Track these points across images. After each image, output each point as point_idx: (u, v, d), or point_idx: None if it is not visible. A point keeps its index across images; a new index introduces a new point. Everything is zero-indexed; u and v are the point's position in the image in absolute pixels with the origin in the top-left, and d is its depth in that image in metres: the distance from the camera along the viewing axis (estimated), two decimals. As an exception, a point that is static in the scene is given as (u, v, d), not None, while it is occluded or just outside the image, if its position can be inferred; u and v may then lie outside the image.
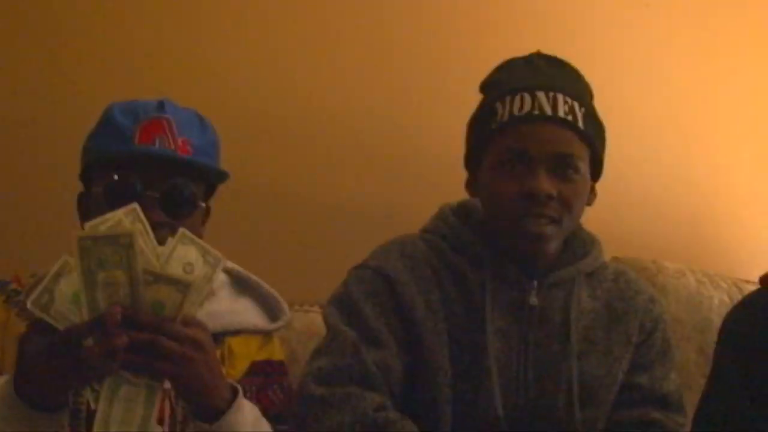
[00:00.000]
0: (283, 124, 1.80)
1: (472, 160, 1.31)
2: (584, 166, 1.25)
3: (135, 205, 0.97)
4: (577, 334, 1.27)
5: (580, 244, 1.33)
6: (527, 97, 1.24)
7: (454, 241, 1.30)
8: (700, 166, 2.07)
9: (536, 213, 1.21)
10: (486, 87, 1.31)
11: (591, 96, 1.29)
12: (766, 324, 1.23)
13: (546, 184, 1.20)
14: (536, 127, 1.23)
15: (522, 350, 1.25)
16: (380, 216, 1.70)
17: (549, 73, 1.28)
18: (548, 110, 1.23)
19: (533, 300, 1.27)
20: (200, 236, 1.12)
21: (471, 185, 1.31)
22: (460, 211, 1.34)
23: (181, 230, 0.99)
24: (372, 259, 1.29)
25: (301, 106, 1.82)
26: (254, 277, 1.36)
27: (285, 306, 1.35)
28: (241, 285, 1.34)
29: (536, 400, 1.24)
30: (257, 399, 1.21)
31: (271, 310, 1.34)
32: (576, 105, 1.24)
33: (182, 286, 0.96)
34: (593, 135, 1.26)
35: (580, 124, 1.24)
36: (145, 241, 0.95)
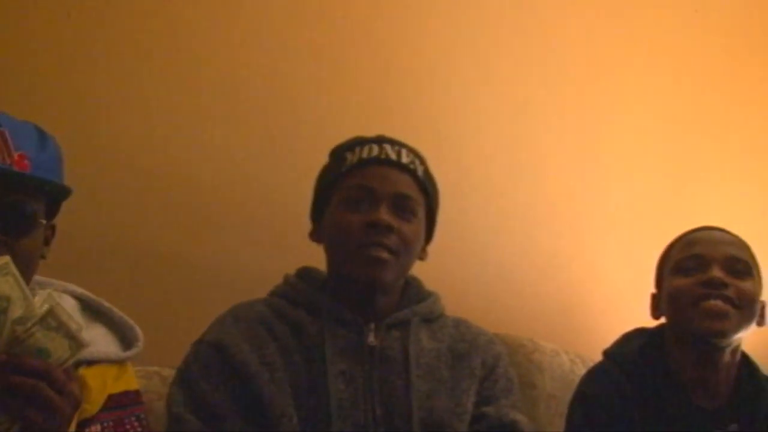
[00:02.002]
0: (165, 185, 1.79)
1: (317, 209, 1.43)
2: (421, 213, 1.40)
3: (6, 259, 0.95)
4: (419, 370, 1.35)
5: (416, 292, 1.45)
6: (375, 146, 1.40)
7: (293, 296, 1.39)
8: (572, 257, 2.18)
9: (377, 241, 1.33)
10: (335, 149, 1.45)
11: (427, 164, 1.45)
12: (604, 387, 1.46)
13: (387, 217, 1.34)
14: (382, 169, 1.39)
15: (368, 389, 1.32)
16: (258, 281, 1.71)
17: (394, 140, 1.43)
18: (393, 156, 1.40)
19: (371, 340, 1.35)
20: (43, 256, 1.13)
21: (315, 233, 1.44)
22: (301, 272, 1.44)
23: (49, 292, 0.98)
24: (208, 332, 1.35)
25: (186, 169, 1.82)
26: (106, 303, 1.31)
27: (139, 332, 1.32)
28: (92, 311, 1.30)
29: None
30: (115, 433, 1.19)
31: (124, 337, 1.30)
32: (417, 161, 1.42)
33: (75, 342, 0.95)
34: (430, 188, 1.42)
35: (420, 174, 1.40)
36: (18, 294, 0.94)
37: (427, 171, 1.43)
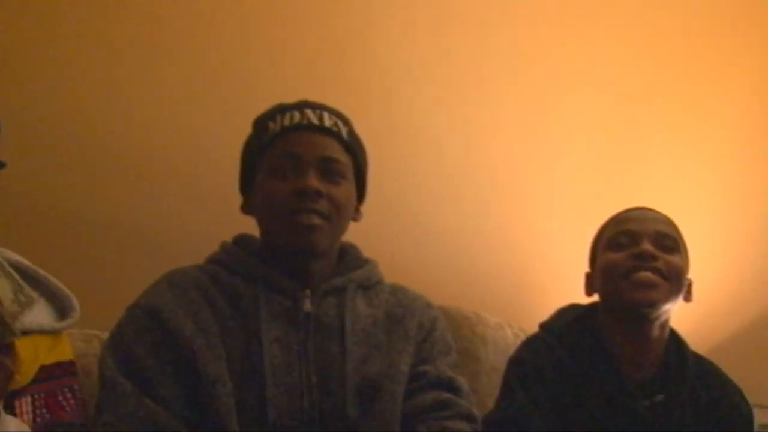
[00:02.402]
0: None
1: (245, 182, 1.42)
2: (350, 174, 1.39)
3: None
4: (355, 336, 1.35)
5: (353, 259, 1.44)
6: (296, 113, 1.38)
7: (229, 263, 1.38)
8: (519, 232, 2.20)
9: (307, 208, 1.32)
10: (257, 119, 1.43)
11: (351, 124, 1.44)
12: (538, 353, 1.52)
13: (316, 182, 1.33)
14: (305, 135, 1.37)
15: (303, 356, 1.31)
16: (195, 247, 1.69)
17: (315, 104, 1.41)
18: (315, 121, 1.38)
19: (307, 307, 1.34)
20: None
21: (246, 205, 1.42)
22: (238, 239, 1.43)
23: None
24: (142, 296, 1.34)
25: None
26: (41, 272, 1.31)
27: (75, 302, 1.33)
28: (27, 279, 1.29)
29: (323, 403, 1.30)
30: (47, 406, 1.19)
31: (60, 306, 1.31)
32: (340, 122, 1.40)
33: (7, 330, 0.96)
34: (356, 148, 1.41)
35: (344, 136, 1.39)
36: None
37: (351, 132, 1.42)
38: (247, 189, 1.41)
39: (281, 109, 1.39)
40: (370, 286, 1.43)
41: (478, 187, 2.21)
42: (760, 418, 2.61)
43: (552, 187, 2.34)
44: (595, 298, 1.60)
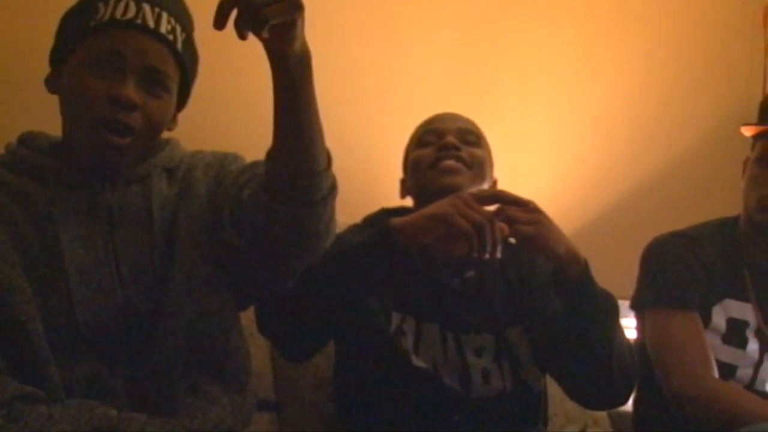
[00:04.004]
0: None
1: (58, 55, 1.31)
2: (173, 88, 1.31)
3: None
4: (165, 221, 1.30)
5: (154, 144, 1.38)
6: (132, 5, 1.27)
7: (14, 164, 1.29)
8: (375, 133, 2.20)
9: (118, 119, 1.25)
10: None
11: (192, 27, 1.35)
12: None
13: (133, 93, 1.24)
14: (135, 36, 1.27)
15: (110, 251, 1.26)
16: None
17: None
18: (151, 23, 1.27)
19: (108, 200, 1.28)
20: None
21: (51, 81, 1.32)
22: (24, 138, 1.35)
23: None
24: None
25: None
26: None
27: None
28: None
29: (136, 295, 1.27)
30: None
31: None
32: (178, 28, 1.30)
33: None
34: (189, 61, 1.33)
35: (179, 46, 1.29)
36: None
37: (188, 40, 1.33)
38: (58, 63, 1.31)
39: None
40: (174, 167, 1.37)
41: (331, 90, 2.19)
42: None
43: (405, 89, 2.36)
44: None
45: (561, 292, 1.53)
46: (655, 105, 2.96)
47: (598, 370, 1.54)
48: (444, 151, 1.64)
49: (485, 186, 1.68)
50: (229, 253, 1.33)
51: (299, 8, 1.08)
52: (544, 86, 2.84)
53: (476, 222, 1.34)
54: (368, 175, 2.12)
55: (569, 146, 2.83)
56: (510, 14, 2.77)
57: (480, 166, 1.66)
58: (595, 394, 1.61)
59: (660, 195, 2.98)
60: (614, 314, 1.55)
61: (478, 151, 1.67)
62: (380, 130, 2.18)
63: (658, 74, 2.98)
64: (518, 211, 1.44)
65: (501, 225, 1.38)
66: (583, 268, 1.51)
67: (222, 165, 1.39)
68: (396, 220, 1.43)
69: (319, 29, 2.32)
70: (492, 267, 1.66)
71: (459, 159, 1.63)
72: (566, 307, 1.54)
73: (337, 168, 2.29)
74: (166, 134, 1.39)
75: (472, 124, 1.74)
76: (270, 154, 1.25)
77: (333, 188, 1.26)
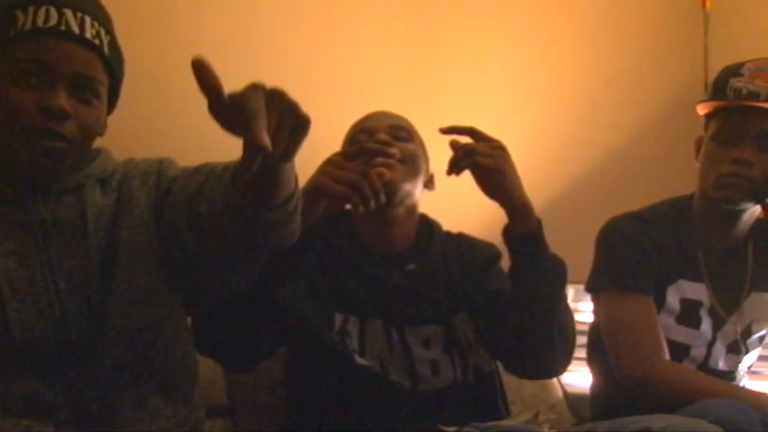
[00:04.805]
0: None
1: None
2: (104, 93, 1.27)
3: None
4: (102, 232, 1.27)
5: (86, 154, 1.34)
6: (53, 12, 1.22)
7: None
8: (323, 131, 2.16)
9: (51, 129, 1.21)
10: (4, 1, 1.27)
11: (113, 27, 1.32)
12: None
13: (64, 102, 1.21)
14: (61, 44, 1.23)
15: (45, 264, 1.23)
16: None
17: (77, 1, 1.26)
18: (76, 29, 1.23)
19: (41, 212, 1.25)
20: None
21: None
22: None
23: None
24: None
25: None
26: None
27: None
28: None
29: (74, 308, 1.24)
30: None
31: None
32: (102, 31, 1.26)
33: None
34: (116, 64, 1.29)
35: (106, 50, 1.25)
36: None
37: (113, 42, 1.30)
38: None
39: (35, 1, 1.22)
40: (106, 177, 1.34)
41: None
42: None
43: (352, 84, 2.34)
44: None
45: (512, 248, 1.56)
46: (604, 87, 2.98)
47: (544, 336, 1.57)
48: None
49: (420, 181, 1.69)
50: (181, 262, 1.31)
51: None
52: (492, 75, 2.84)
53: (350, 181, 1.34)
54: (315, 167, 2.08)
55: (519, 133, 2.82)
56: (456, 3, 2.76)
57: (413, 160, 1.65)
58: (538, 362, 1.63)
59: (612, 176, 3.00)
60: (563, 279, 1.58)
61: (410, 146, 1.67)
62: (327, 126, 2.15)
63: (604, 56, 2.99)
64: (483, 145, 1.48)
65: (379, 170, 1.39)
66: (536, 224, 1.53)
67: (159, 171, 1.36)
68: None
69: (265, 27, 2.30)
70: (431, 260, 1.68)
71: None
72: (516, 264, 1.56)
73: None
74: (97, 142, 1.36)
75: (403, 120, 1.74)
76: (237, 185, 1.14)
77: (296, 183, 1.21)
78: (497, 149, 1.51)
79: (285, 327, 1.51)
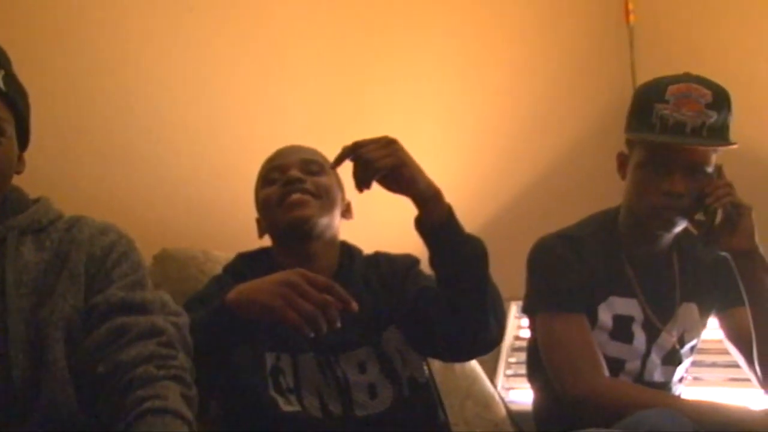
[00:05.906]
0: None
1: None
2: (9, 130, 1.25)
3: None
4: (24, 288, 1.24)
5: (15, 203, 1.31)
6: None
7: None
8: (238, 168, 2.15)
9: None
10: None
11: (10, 63, 1.29)
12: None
13: None
14: None
15: None
16: None
17: None
18: None
19: None
20: None
21: None
22: None
23: None
24: None
25: None
26: None
27: None
28: None
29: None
30: None
31: None
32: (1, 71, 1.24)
33: None
34: (18, 98, 1.27)
35: (2, 86, 1.23)
36: None
37: (8, 76, 1.26)
38: None
39: None
40: (42, 228, 1.30)
41: (198, 128, 2.16)
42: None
43: (278, 123, 2.34)
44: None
45: (428, 240, 1.55)
46: (536, 104, 3.02)
47: (477, 312, 1.56)
48: (289, 186, 1.65)
49: (337, 212, 1.70)
50: None
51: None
52: (429, 94, 2.86)
53: (307, 314, 1.30)
54: (247, 203, 2.07)
55: (457, 152, 2.85)
56: (391, 24, 2.77)
57: (327, 193, 1.67)
58: (470, 342, 1.63)
59: (549, 192, 3.04)
60: (484, 258, 1.57)
61: (323, 179, 1.68)
62: (259, 152, 2.15)
63: (536, 74, 3.04)
64: (373, 149, 1.45)
65: (337, 302, 1.33)
66: (448, 210, 1.53)
67: (104, 259, 1.30)
68: (230, 297, 1.39)
69: (188, 47, 2.28)
70: (353, 280, 1.69)
71: (305, 191, 1.64)
72: (436, 255, 1.55)
73: (205, 206, 2.26)
74: (35, 193, 1.33)
75: (315, 153, 1.75)
76: None
77: None
78: (389, 145, 1.49)
79: (215, 380, 1.47)
